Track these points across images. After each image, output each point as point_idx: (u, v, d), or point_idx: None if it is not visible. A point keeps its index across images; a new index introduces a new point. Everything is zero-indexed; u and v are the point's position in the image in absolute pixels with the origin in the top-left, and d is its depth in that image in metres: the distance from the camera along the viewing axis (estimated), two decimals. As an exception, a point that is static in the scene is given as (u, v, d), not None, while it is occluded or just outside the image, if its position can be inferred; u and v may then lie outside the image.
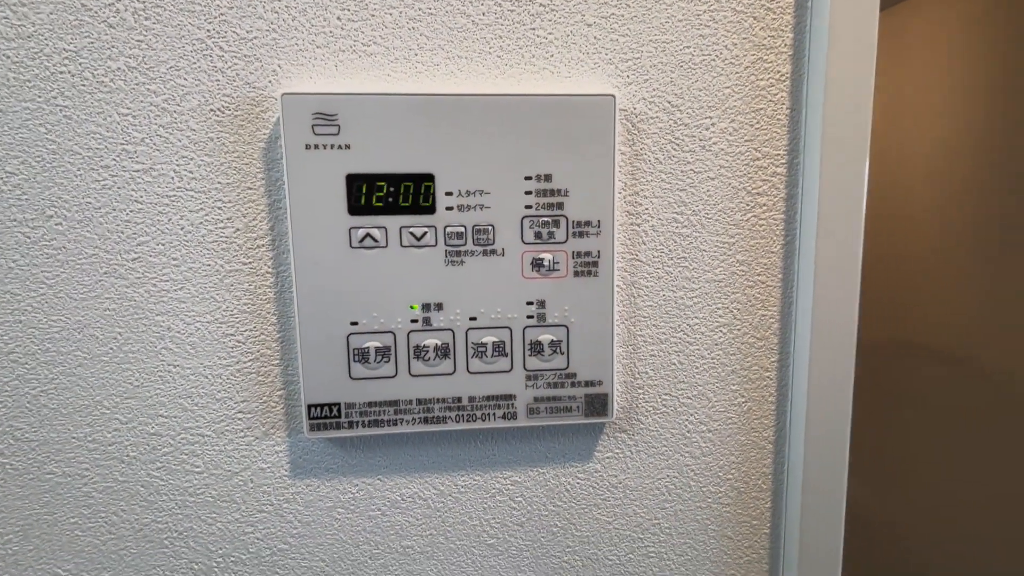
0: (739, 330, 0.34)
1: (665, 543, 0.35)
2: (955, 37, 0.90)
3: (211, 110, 0.29)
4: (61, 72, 0.27)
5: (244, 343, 0.31)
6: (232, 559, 0.33)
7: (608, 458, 0.34)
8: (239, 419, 0.32)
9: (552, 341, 0.32)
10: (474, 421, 0.32)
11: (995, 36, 0.83)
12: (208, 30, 0.28)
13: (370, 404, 0.31)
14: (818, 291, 0.33)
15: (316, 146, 0.29)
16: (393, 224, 0.30)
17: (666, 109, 0.31)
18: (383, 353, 0.31)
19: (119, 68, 0.28)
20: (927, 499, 0.95)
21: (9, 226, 0.28)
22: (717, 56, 0.31)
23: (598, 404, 0.32)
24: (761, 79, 0.32)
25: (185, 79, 0.28)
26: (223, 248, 0.30)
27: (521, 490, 0.34)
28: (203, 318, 0.30)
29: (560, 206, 0.31)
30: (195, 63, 0.28)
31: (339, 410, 0.31)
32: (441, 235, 0.30)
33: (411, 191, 0.30)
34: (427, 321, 0.31)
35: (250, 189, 0.30)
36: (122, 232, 0.29)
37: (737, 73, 0.31)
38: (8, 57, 0.27)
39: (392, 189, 0.29)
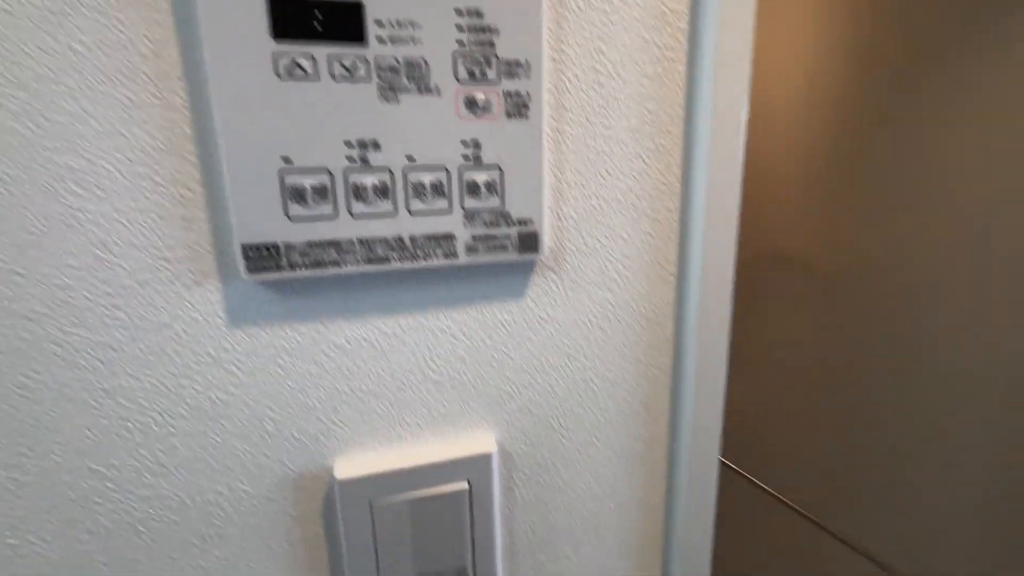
0: (649, 175, 0.38)
1: (591, 368, 0.40)
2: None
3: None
4: None
5: (163, 184, 0.29)
6: (170, 414, 0.32)
7: (539, 295, 0.37)
8: (164, 267, 0.30)
9: (487, 182, 0.34)
10: (417, 260, 0.33)
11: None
12: None
13: (311, 245, 0.31)
14: (714, 141, 0.38)
15: (232, -45, 0.26)
16: (321, 53, 0.29)
17: (587, -46, 0.33)
18: (320, 192, 0.31)
19: None
20: (794, 397, 1.15)
21: None
22: (632, -96, 0.33)
23: (530, 241, 0.35)
24: (670, -67, 0.34)
25: None
26: (126, 77, 0.27)
27: (462, 327, 0.36)
28: (110, 156, 0.28)
29: (491, 44, 0.32)
30: None
31: (278, 251, 0.30)
32: (374, 69, 0.30)
33: (339, 16, 0.29)
34: (364, 160, 0.31)
35: (152, 6, 0.27)
36: (-4, 47, 0.25)
37: (649, -76, 0.34)
38: None
39: (320, 14, 0.28)
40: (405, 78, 0.30)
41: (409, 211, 0.32)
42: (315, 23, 0.28)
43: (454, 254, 0.34)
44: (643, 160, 0.38)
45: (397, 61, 0.30)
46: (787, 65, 1.04)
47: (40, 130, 0.27)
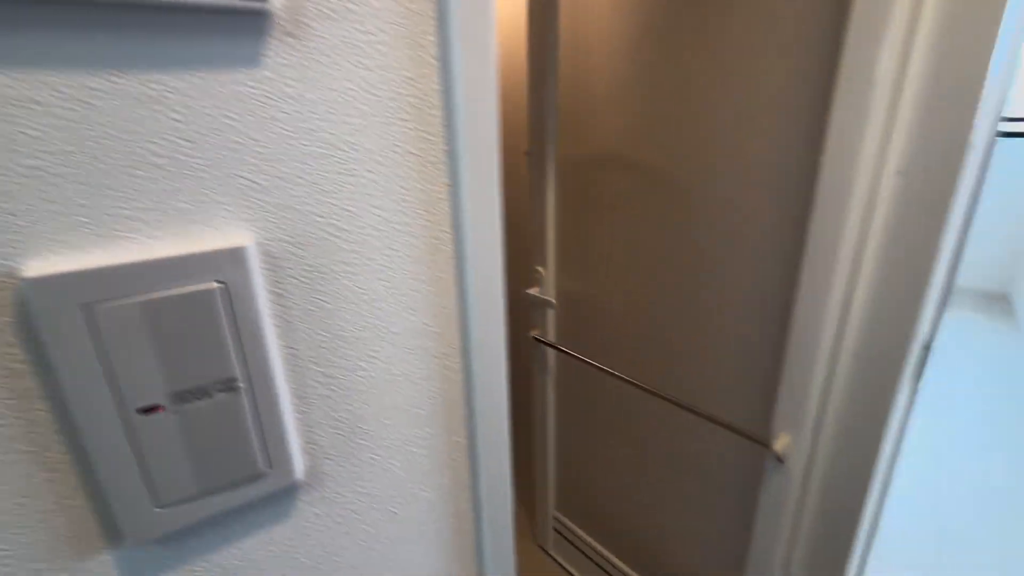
0: (395, -67, 0.35)
1: (355, 159, 0.37)
2: None
3: None
4: None
5: None
6: None
7: (279, 66, 0.33)
8: None
9: None
10: (88, -11, 0.26)
11: None
12: None
13: None
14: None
15: None
16: None
17: None
18: None
19: None
20: (615, 284, 1.26)
21: None
22: None
23: (252, -14, 0.30)
24: None
25: None
26: None
27: (182, 97, 0.31)
28: None
29: None
30: None
31: None
32: None
33: None
34: None
35: None
36: None
37: None
38: None
39: None
40: None
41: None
42: None
43: (146, -14, 0.27)
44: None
45: None
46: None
47: None
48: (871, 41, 0.71)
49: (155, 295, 0.31)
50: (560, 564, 1.74)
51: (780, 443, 0.96)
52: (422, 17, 0.37)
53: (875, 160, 0.76)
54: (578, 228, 1.31)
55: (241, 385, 0.35)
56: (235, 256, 0.33)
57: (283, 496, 0.41)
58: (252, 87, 0.32)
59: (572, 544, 1.67)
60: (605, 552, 1.56)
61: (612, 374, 1.27)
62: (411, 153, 0.40)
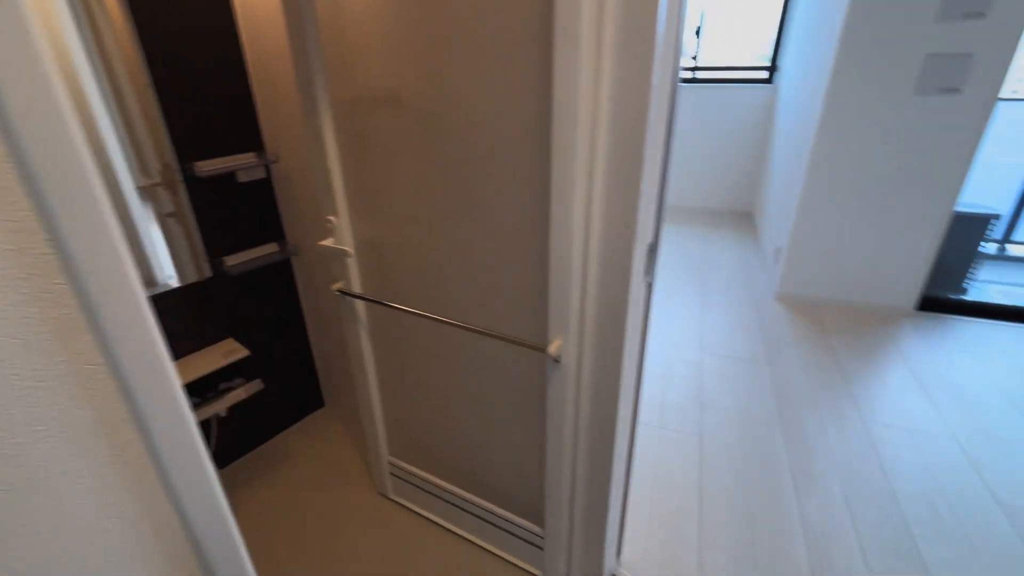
0: None
1: None
2: None
3: None
4: None
5: None
6: None
7: None
8: None
9: None
10: None
11: None
12: None
13: None
14: None
15: None
16: None
17: None
18: None
19: None
20: (405, 224, 1.26)
21: None
22: None
23: None
24: None
25: None
26: None
27: None
28: None
29: None
30: None
31: None
32: None
33: None
34: None
35: None
36: None
37: None
38: None
39: None
40: None
41: None
42: None
43: None
44: None
45: None
46: None
47: None
48: (573, -22, 0.81)
49: None
50: (403, 505, 1.80)
51: (554, 346, 1.11)
52: None
53: (592, 87, 0.88)
54: (362, 173, 1.29)
55: None
56: None
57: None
58: None
59: (411, 484, 1.74)
60: (439, 481, 1.66)
61: (413, 312, 1.31)
62: None
